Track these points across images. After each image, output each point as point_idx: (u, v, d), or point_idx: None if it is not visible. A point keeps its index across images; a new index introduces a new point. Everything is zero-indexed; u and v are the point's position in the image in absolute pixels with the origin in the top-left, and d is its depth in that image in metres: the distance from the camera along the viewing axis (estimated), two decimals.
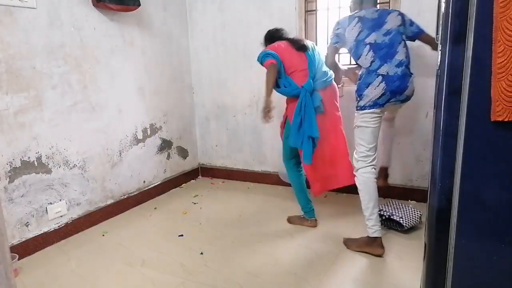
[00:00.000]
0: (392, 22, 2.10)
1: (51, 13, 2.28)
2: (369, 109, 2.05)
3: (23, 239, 2.23)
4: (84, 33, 2.48)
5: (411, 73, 2.09)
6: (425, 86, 2.64)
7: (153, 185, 3.16)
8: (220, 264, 2.07)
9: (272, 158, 3.32)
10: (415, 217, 2.29)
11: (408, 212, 2.31)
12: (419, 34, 2.15)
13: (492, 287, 1.11)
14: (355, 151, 2.16)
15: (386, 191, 2.88)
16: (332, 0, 2.86)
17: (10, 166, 2.14)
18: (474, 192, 1.06)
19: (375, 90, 2.03)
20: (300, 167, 2.49)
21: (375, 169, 2.13)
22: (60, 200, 2.41)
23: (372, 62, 2.06)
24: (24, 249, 2.22)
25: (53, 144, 2.35)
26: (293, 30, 2.98)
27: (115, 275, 2.01)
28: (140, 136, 3.00)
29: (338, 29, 2.20)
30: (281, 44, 2.39)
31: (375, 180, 2.12)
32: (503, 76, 0.96)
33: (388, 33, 2.08)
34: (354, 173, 2.17)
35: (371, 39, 2.08)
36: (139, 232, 2.52)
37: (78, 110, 2.48)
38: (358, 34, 2.11)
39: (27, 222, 2.24)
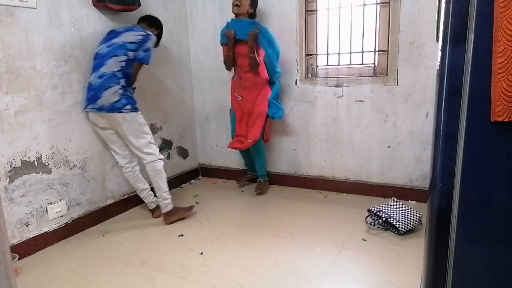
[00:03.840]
0: (125, 38, 2.36)
1: (51, 13, 2.28)
2: (84, 109, 2.44)
3: (23, 239, 2.23)
4: (84, 33, 2.48)
5: (110, 86, 2.30)
6: (425, 86, 2.64)
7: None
8: (220, 264, 2.07)
9: (271, 158, 3.32)
10: (413, 219, 2.28)
11: (407, 214, 2.30)
12: (139, 61, 2.40)
13: None
14: None
15: (387, 191, 2.90)
16: (332, 0, 2.86)
17: (10, 166, 2.14)
18: (474, 192, 1.06)
19: (84, 96, 2.42)
20: None
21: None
22: (60, 200, 2.41)
23: (91, 70, 2.38)
24: (24, 249, 2.22)
25: (53, 144, 2.35)
26: (293, 30, 2.98)
27: (115, 275, 2.01)
28: None
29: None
30: None
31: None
32: (503, 76, 0.96)
33: (111, 45, 2.36)
34: None
35: (98, 48, 2.40)
36: (139, 232, 2.52)
37: (78, 110, 2.48)
38: (99, 45, 2.43)
39: (27, 222, 2.25)
